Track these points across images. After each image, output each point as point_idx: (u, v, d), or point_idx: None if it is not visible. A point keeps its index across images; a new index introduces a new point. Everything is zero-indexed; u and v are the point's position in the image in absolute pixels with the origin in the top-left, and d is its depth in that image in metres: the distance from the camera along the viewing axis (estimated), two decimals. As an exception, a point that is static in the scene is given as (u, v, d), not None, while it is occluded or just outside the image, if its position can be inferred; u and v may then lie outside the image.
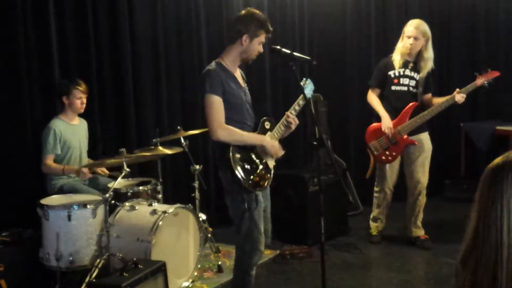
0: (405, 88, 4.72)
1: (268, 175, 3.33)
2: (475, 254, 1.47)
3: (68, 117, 4.43)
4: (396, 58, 4.72)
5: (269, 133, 3.39)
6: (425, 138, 4.79)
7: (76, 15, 4.76)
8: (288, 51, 3.19)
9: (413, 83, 4.72)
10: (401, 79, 4.72)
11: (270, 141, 3.31)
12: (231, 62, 3.30)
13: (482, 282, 1.44)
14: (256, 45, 3.25)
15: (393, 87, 4.74)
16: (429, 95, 4.79)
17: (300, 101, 3.40)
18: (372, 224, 5.08)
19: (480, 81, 4.56)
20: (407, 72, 4.71)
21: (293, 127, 3.42)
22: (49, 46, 4.59)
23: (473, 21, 6.85)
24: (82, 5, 4.76)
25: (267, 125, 3.41)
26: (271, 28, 3.29)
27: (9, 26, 4.47)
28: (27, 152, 4.56)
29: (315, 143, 3.11)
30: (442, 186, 6.67)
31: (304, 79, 3.52)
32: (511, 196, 1.44)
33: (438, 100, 4.68)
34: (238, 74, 3.39)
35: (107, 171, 4.62)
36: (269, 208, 3.50)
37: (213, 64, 3.27)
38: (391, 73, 4.74)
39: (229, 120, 3.21)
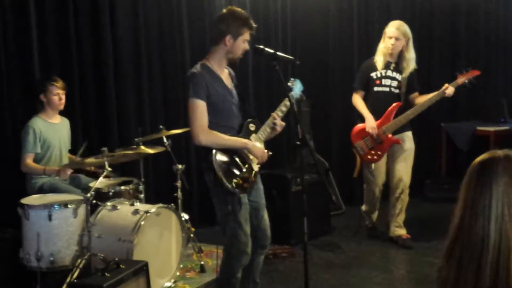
0: (387, 89, 4.80)
1: (253, 178, 3.30)
2: (460, 244, 1.52)
3: (48, 115, 4.39)
4: (379, 59, 4.79)
5: (254, 135, 3.36)
6: (408, 137, 4.87)
7: (57, 14, 4.71)
8: (272, 51, 3.18)
9: (394, 83, 4.79)
10: (383, 80, 4.79)
11: (254, 144, 3.28)
12: (217, 63, 3.27)
13: (467, 272, 1.48)
14: (241, 44, 3.22)
15: (376, 88, 4.81)
16: (415, 94, 4.88)
17: (286, 102, 3.37)
18: (367, 219, 5.16)
19: (461, 80, 4.67)
20: (389, 73, 4.79)
21: (279, 129, 3.37)
22: (29, 45, 4.54)
23: (454, 22, 6.91)
24: (63, 4, 4.71)
25: (252, 127, 3.37)
26: (254, 25, 3.26)
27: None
28: (6, 151, 4.50)
29: (298, 143, 3.12)
30: (423, 186, 6.71)
31: (292, 79, 3.52)
32: (500, 186, 1.51)
33: (423, 98, 4.77)
34: (225, 74, 3.35)
35: (93, 168, 4.56)
36: (265, 210, 3.46)
37: (198, 66, 3.24)
38: (373, 74, 4.81)
39: (213, 124, 3.20)
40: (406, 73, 4.77)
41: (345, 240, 5.11)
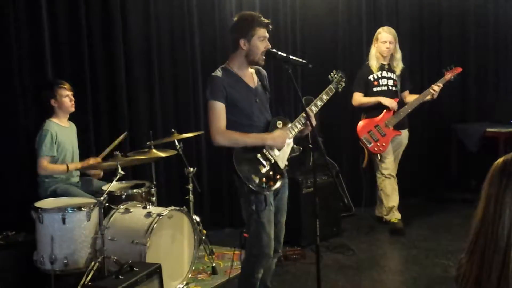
0: (385, 88, 5.33)
1: (278, 176, 3.29)
2: (483, 240, 1.56)
3: (60, 119, 4.43)
4: (373, 63, 5.34)
5: (278, 130, 3.32)
6: (404, 134, 5.48)
7: (69, 21, 4.76)
8: (284, 54, 3.18)
9: (391, 82, 5.34)
10: (380, 80, 5.34)
11: (273, 136, 3.24)
12: (238, 66, 3.29)
13: (491, 267, 1.51)
14: (257, 43, 3.21)
15: (375, 89, 5.34)
16: (406, 93, 5.47)
17: (323, 95, 3.41)
18: (390, 216, 5.37)
19: (448, 76, 5.28)
20: (384, 73, 5.34)
21: (311, 124, 3.22)
22: (42, 52, 4.59)
23: (463, 23, 6.92)
24: (76, 11, 4.77)
25: (279, 124, 3.35)
26: (265, 20, 3.24)
27: (1, 31, 4.47)
28: (19, 155, 4.55)
29: (310, 145, 3.13)
30: (433, 187, 6.72)
31: (335, 71, 3.64)
32: None
33: (413, 97, 5.35)
34: (249, 75, 3.35)
35: (101, 173, 4.62)
36: (284, 215, 3.46)
37: (218, 70, 3.28)
38: (370, 77, 5.35)
39: (235, 123, 3.22)
40: (398, 71, 5.36)
41: (355, 241, 5.12)
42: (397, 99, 5.30)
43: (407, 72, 5.51)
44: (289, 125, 3.36)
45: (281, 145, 3.27)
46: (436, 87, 5.20)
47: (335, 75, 3.64)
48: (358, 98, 5.38)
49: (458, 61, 6.78)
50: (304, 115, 3.26)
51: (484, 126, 6.38)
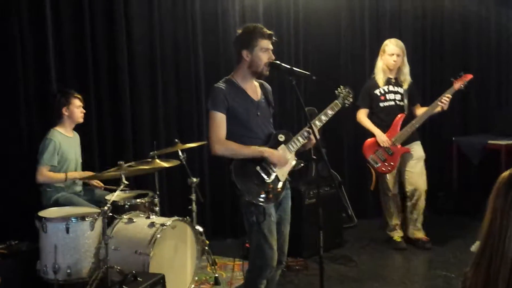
0: (393, 103, 5.10)
1: (279, 189, 3.29)
2: (489, 252, 1.57)
3: (66, 129, 4.46)
4: (380, 77, 5.11)
5: (282, 146, 3.34)
6: (417, 146, 5.18)
7: (74, 30, 4.81)
8: (288, 66, 3.20)
9: (398, 96, 5.10)
10: (387, 95, 5.11)
11: (272, 151, 3.26)
12: (241, 78, 3.32)
13: (497, 280, 1.52)
14: (260, 54, 3.23)
15: (381, 104, 5.12)
16: (417, 106, 5.20)
17: (328, 110, 3.42)
18: (393, 233, 5.29)
19: (457, 85, 4.97)
20: (391, 87, 5.12)
21: (313, 139, 3.28)
22: (46, 59, 4.63)
23: (465, 36, 6.96)
24: (80, 19, 4.81)
25: (281, 137, 3.36)
26: (268, 32, 3.26)
27: (6, 37, 4.50)
28: (22, 164, 4.57)
29: (314, 156, 3.14)
30: (435, 199, 6.72)
31: (342, 86, 3.60)
32: None
33: (423, 109, 5.09)
34: (253, 88, 3.38)
35: (102, 184, 4.63)
36: (288, 226, 3.46)
37: (221, 81, 3.31)
38: (376, 91, 5.12)
39: (235, 135, 3.24)
40: (406, 85, 5.10)
41: (357, 253, 5.13)
42: (404, 115, 5.05)
43: (415, 86, 5.26)
44: (292, 139, 3.36)
45: (277, 163, 3.25)
46: (446, 98, 4.90)
47: (342, 90, 3.61)
48: (362, 117, 5.16)
49: (460, 73, 6.85)
50: (307, 128, 3.28)
51: (486, 138, 6.39)
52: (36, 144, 4.41)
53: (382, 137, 5.00)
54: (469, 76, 5.01)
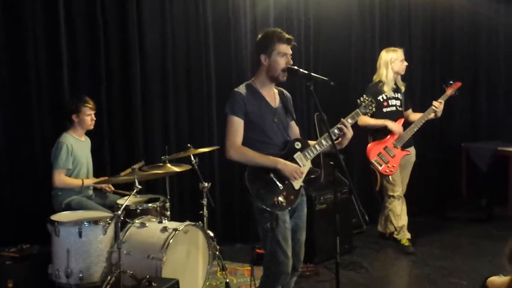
0: (394, 108, 5.31)
1: (292, 196, 3.24)
2: None
3: (77, 133, 4.47)
4: (390, 86, 5.27)
5: (299, 153, 3.30)
6: (412, 152, 5.42)
7: (87, 34, 4.83)
8: (306, 72, 3.19)
9: (398, 102, 5.33)
10: (390, 101, 5.30)
11: (285, 163, 3.20)
12: (260, 83, 3.31)
13: None
14: (277, 58, 3.22)
15: (385, 109, 5.28)
16: (409, 111, 5.45)
17: (349, 119, 3.38)
18: (400, 237, 5.36)
19: (450, 91, 5.25)
20: (393, 94, 5.31)
21: (335, 148, 3.20)
22: (59, 64, 4.66)
23: (475, 44, 6.96)
24: (93, 24, 4.83)
25: (298, 145, 3.32)
26: (287, 36, 3.25)
27: (20, 44, 4.53)
28: (35, 168, 4.57)
29: (332, 162, 3.13)
30: (444, 206, 6.71)
31: (365, 95, 3.55)
32: None
33: (417, 115, 5.32)
34: (272, 94, 3.37)
35: (112, 188, 4.62)
36: (304, 234, 3.42)
37: (241, 86, 3.30)
38: (380, 98, 5.25)
39: (252, 140, 3.23)
40: (402, 91, 5.36)
41: (367, 259, 5.10)
42: (402, 119, 5.25)
43: (407, 92, 5.48)
44: (308, 147, 3.33)
45: (289, 176, 3.19)
46: (437, 104, 5.13)
47: (365, 100, 3.54)
48: (365, 119, 5.11)
49: (470, 80, 6.86)
50: (326, 137, 3.27)
51: (496, 145, 6.38)
52: (48, 147, 4.41)
53: (395, 126, 5.18)
54: (458, 84, 5.29)
